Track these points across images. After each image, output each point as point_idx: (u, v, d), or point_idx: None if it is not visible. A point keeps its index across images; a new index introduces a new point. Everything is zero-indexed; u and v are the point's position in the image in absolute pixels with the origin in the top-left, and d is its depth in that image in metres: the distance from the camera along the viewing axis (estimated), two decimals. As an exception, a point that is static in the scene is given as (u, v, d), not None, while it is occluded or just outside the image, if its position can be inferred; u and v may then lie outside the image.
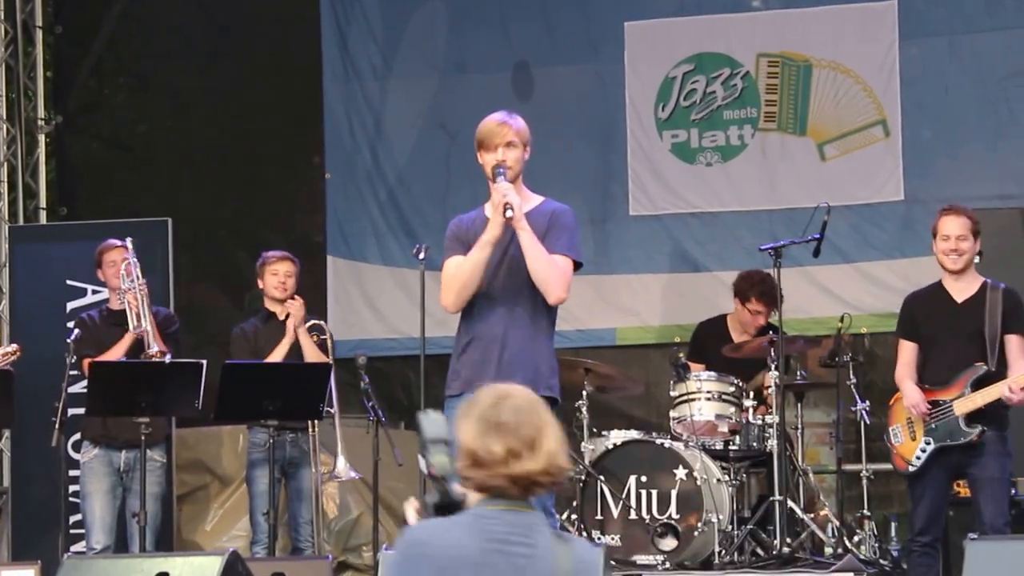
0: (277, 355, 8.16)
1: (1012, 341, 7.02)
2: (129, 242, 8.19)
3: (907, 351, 7.21)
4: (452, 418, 6.13)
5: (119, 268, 8.19)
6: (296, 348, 8.21)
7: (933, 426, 7.03)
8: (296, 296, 8.33)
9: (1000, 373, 6.97)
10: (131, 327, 8.02)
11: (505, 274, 6.11)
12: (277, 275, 8.36)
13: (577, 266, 6.19)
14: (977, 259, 7.24)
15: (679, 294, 10.02)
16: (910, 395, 7.07)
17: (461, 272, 6.12)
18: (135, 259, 8.13)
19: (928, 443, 7.03)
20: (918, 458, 7.06)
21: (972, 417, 6.94)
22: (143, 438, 7.69)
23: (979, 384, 6.96)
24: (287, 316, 8.30)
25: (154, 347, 7.88)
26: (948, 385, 7.02)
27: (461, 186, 9.87)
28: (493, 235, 6.03)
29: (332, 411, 7.95)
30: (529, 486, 3.47)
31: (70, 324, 8.69)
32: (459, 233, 6.22)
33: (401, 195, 10.48)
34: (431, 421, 3.54)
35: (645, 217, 10.16)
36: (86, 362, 7.92)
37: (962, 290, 7.12)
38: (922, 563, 7.06)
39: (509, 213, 5.97)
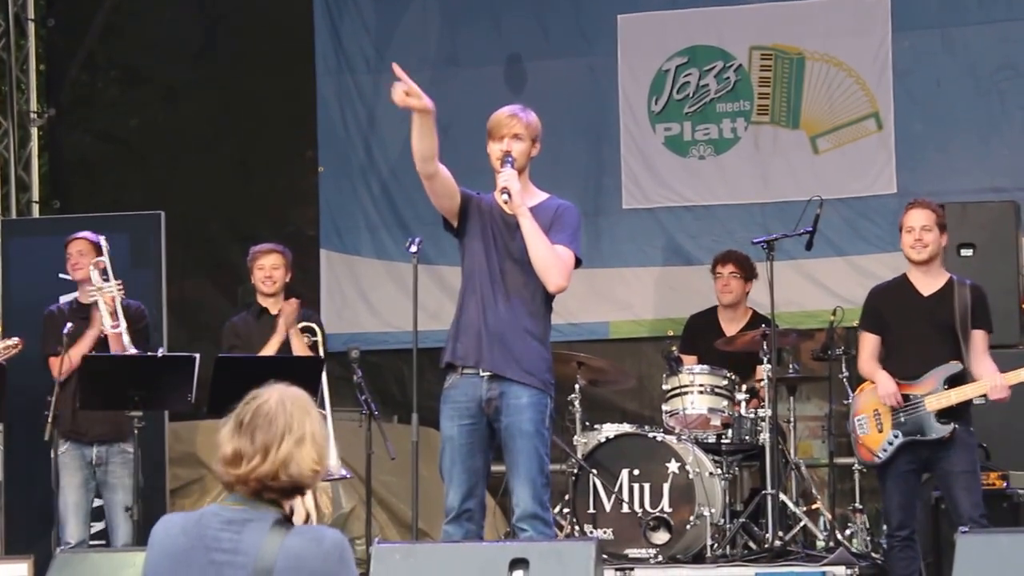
0: (269, 351, 8.13)
1: (978, 336, 7.04)
2: (103, 240, 8.14)
3: (870, 343, 7.22)
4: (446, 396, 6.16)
5: (76, 261, 8.17)
6: (287, 346, 8.18)
7: (902, 419, 7.03)
8: (292, 299, 8.27)
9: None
10: (107, 327, 7.95)
11: (508, 266, 6.14)
12: (263, 269, 8.33)
13: (577, 263, 6.22)
14: (970, 252, 7.21)
15: (672, 287, 10.04)
16: (885, 385, 7.06)
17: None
18: (108, 258, 8.08)
19: (896, 436, 7.04)
20: (884, 450, 7.06)
21: (942, 413, 6.96)
22: (135, 432, 7.67)
23: (952, 382, 6.97)
24: (280, 312, 8.28)
25: (130, 350, 7.84)
26: (918, 380, 7.02)
27: (454, 179, 9.86)
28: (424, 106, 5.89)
29: (324, 412, 7.92)
30: (260, 489, 3.53)
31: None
32: (473, 195, 6.24)
33: (394, 188, 10.47)
34: None
35: (638, 210, 10.17)
36: (52, 361, 7.89)
37: (929, 284, 7.12)
38: (904, 556, 7.06)
39: (505, 197, 6.02)
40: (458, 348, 6.17)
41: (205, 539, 3.51)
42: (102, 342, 8.00)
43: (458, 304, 6.27)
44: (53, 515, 8.18)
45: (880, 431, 7.09)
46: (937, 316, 7.02)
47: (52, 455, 8.10)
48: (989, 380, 6.90)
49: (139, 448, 7.79)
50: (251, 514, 3.52)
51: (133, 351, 7.82)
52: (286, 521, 3.53)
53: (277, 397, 3.57)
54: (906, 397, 7.03)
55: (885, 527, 7.43)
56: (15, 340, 8.08)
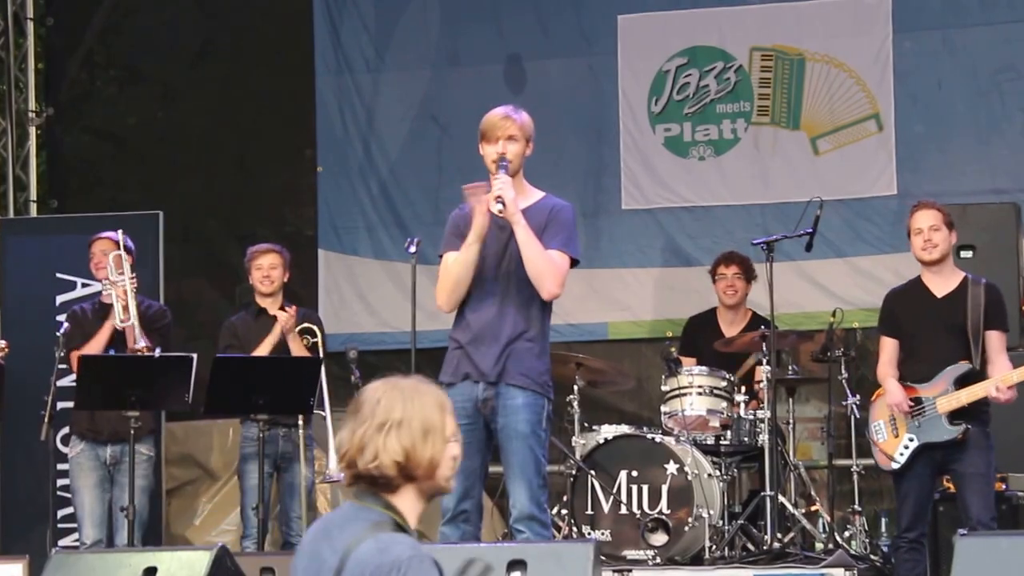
0: (262, 352, 8.11)
1: (993, 337, 6.99)
2: (120, 235, 8.15)
3: (889, 348, 7.17)
4: None
5: (99, 260, 8.19)
6: (282, 348, 8.15)
7: (916, 423, 6.99)
8: (289, 307, 8.24)
9: (982, 369, 6.95)
10: (117, 320, 7.97)
11: (504, 270, 6.12)
12: (261, 269, 8.33)
13: (573, 263, 6.20)
14: (971, 253, 7.16)
15: (671, 288, 10.02)
16: (893, 393, 7.02)
17: (451, 272, 6.12)
18: (125, 252, 8.10)
19: (911, 440, 7.00)
20: (901, 455, 7.02)
21: (955, 414, 6.91)
22: (132, 432, 7.66)
23: (962, 382, 6.92)
24: (280, 308, 8.27)
25: (140, 342, 7.83)
26: (930, 382, 6.98)
27: (453, 179, 9.82)
28: (477, 234, 6.05)
29: (323, 413, 7.89)
30: (353, 479, 3.52)
31: (60, 317, 8.65)
32: (460, 225, 6.20)
33: (393, 188, 10.45)
34: None
35: (637, 211, 10.15)
36: (74, 355, 7.88)
37: (942, 285, 7.08)
38: (909, 559, 7.03)
39: (498, 207, 5.98)
40: (451, 365, 6.16)
41: (325, 534, 3.52)
42: (119, 335, 8.00)
43: (455, 312, 6.25)
44: (48, 514, 8.16)
45: (896, 436, 7.06)
46: (950, 317, 6.98)
47: (49, 455, 8.09)
48: (993, 381, 6.86)
49: (156, 449, 7.78)
50: (360, 512, 3.50)
51: (143, 343, 7.81)
52: (391, 524, 3.47)
53: (381, 384, 3.51)
54: (919, 400, 6.99)
55: (884, 529, 7.41)
56: (1, 343, 8.06)
